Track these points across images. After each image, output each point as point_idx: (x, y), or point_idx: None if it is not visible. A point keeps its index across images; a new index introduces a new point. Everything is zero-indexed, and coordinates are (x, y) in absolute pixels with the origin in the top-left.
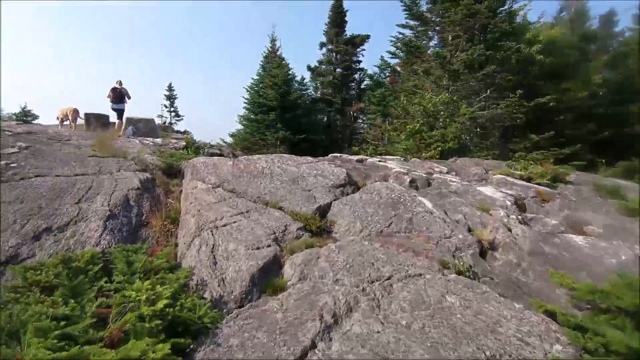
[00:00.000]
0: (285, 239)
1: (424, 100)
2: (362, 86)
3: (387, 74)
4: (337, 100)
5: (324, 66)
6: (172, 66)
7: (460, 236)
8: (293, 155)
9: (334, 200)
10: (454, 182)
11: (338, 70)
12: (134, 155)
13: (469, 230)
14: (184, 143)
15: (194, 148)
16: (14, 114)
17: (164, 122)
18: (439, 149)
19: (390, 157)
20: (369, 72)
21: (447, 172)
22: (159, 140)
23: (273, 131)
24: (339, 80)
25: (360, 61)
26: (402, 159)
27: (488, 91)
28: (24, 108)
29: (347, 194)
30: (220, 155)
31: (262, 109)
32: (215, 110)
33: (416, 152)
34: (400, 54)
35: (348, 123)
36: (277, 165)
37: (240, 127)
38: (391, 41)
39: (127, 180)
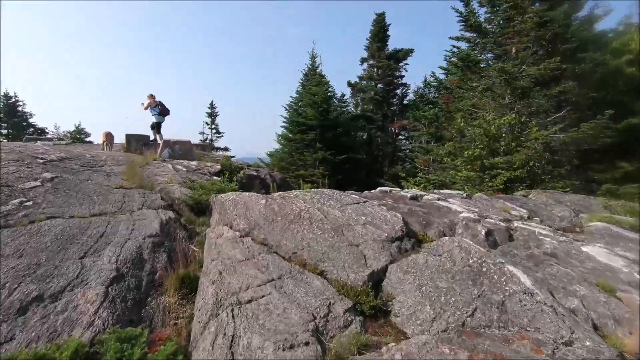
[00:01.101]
0: (328, 328)
1: (485, 122)
2: (405, 102)
3: (436, 91)
4: (378, 117)
5: (364, 82)
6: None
7: (588, 343)
8: (335, 191)
9: (391, 262)
10: (545, 236)
11: (379, 85)
12: (162, 186)
13: (595, 328)
14: (219, 166)
15: (229, 173)
16: (69, 132)
17: (205, 139)
18: (503, 178)
19: (450, 192)
20: (413, 87)
21: (528, 218)
22: (194, 163)
23: (312, 151)
24: (380, 96)
25: (403, 76)
26: (464, 195)
27: (564, 111)
28: (78, 126)
29: (406, 251)
30: (257, 177)
31: (301, 128)
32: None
33: (479, 184)
34: (455, 69)
35: (390, 140)
36: (317, 206)
37: (278, 146)
38: (445, 56)
39: (146, 223)
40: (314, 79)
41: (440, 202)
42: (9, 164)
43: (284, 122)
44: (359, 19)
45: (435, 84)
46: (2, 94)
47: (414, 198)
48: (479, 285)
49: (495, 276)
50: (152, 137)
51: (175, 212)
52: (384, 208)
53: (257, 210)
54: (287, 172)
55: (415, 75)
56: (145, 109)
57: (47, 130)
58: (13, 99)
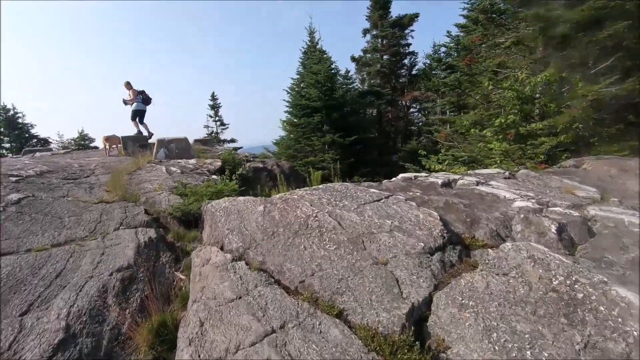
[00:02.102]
0: None
1: (517, 82)
2: (414, 71)
3: (455, 53)
4: (387, 91)
5: (369, 55)
6: (215, 72)
7: None
8: (349, 186)
9: (435, 288)
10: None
11: (385, 57)
12: (148, 196)
13: None
14: (220, 163)
15: (232, 168)
16: (73, 139)
17: (210, 133)
18: (547, 147)
19: (487, 171)
20: (422, 55)
21: (601, 199)
22: (192, 161)
23: (320, 135)
24: (387, 68)
25: (410, 44)
26: (505, 173)
27: (612, 58)
28: (82, 132)
29: (452, 265)
30: (263, 169)
31: (306, 112)
32: (263, 113)
33: (518, 158)
34: (474, 25)
35: (401, 114)
36: (327, 209)
37: (284, 133)
38: (462, 9)
39: (118, 251)
40: (314, 57)
41: (481, 188)
42: None
43: (287, 106)
44: None
45: (452, 44)
46: (1, 106)
47: (447, 184)
48: (579, 326)
49: (601, 307)
50: (136, 131)
51: (161, 227)
52: (413, 205)
53: (253, 220)
54: (295, 160)
55: (423, 42)
56: (130, 103)
57: (50, 140)
58: (12, 111)
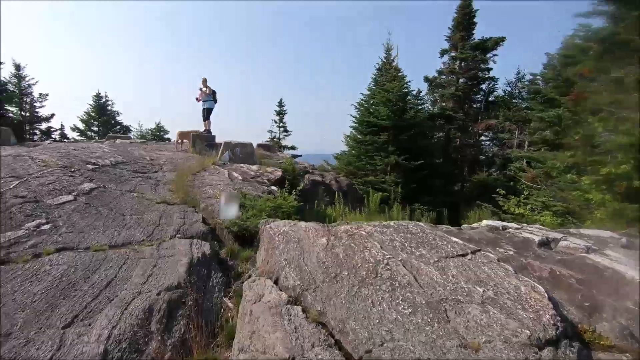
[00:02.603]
0: None
1: (636, 128)
2: (491, 98)
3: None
4: (460, 116)
5: (444, 76)
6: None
7: None
8: (425, 228)
9: None
10: None
11: (462, 80)
12: (208, 203)
13: None
14: (280, 172)
15: (291, 178)
16: (150, 130)
17: (273, 137)
18: None
19: (596, 233)
20: (502, 81)
21: None
22: (254, 167)
23: (384, 155)
24: (462, 92)
25: (491, 69)
26: (622, 240)
27: None
28: (158, 124)
29: None
30: (322, 182)
31: (372, 129)
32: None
33: (633, 220)
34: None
35: (470, 141)
36: (401, 257)
37: (346, 147)
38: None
39: (170, 265)
40: (388, 74)
41: (595, 258)
42: (53, 171)
43: (353, 121)
44: (435, 11)
45: (550, 75)
46: (95, 94)
47: (545, 244)
48: None
49: None
50: (205, 130)
51: (217, 239)
52: (510, 270)
53: (314, 255)
54: (354, 177)
55: (504, 68)
56: (203, 100)
57: (131, 128)
58: (103, 99)
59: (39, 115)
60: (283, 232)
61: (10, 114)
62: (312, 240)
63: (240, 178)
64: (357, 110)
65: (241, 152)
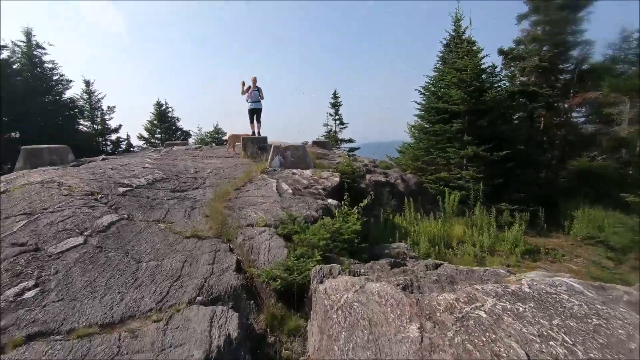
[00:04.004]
0: None
1: None
2: (585, 66)
3: None
4: (546, 91)
5: (523, 46)
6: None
7: None
8: (582, 290)
9: None
10: None
11: (545, 48)
12: (246, 236)
13: None
14: (337, 179)
15: (350, 181)
16: (208, 133)
17: (329, 131)
18: None
19: None
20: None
21: None
22: (308, 173)
23: (458, 146)
24: (547, 62)
25: (584, 30)
26: None
27: None
28: (216, 126)
29: None
30: (386, 183)
31: (442, 117)
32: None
33: None
34: None
35: (556, 120)
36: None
37: (410, 140)
38: None
39: None
40: (459, 50)
41: None
42: (74, 201)
43: (417, 109)
44: None
45: None
46: (155, 102)
47: None
48: None
49: None
50: (253, 132)
51: (253, 296)
52: None
53: (401, 354)
54: (424, 174)
55: (602, 27)
56: (246, 91)
57: (191, 133)
58: (164, 106)
59: (109, 127)
60: (345, 304)
61: (84, 128)
62: (393, 326)
63: (290, 191)
64: (422, 95)
65: (293, 156)
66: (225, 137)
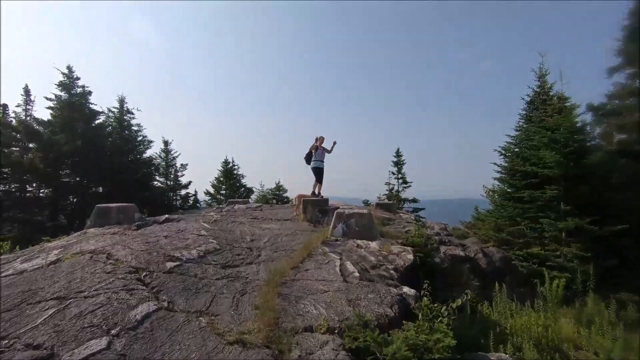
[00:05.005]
0: None
1: None
2: None
3: None
4: None
5: (617, 101)
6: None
7: None
8: None
9: None
10: None
11: None
12: (304, 346)
13: None
14: (411, 256)
15: (423, 255)
16: (270, 190)
17: (391, 189)
18: None
19: None
20: None
21: None
22: (373, 246)
23: (554, 217)
24: None
25: None
26: None
27: None
28: (278, 183)
29: None
30: (465, 258)
31: (530, 181)
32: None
33: None
34: None
35: None
36: None
37: (490, 204)
38: None
39: None
40: (548, 107)
41: None
42: (114, 281)
43: (498, 171)
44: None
45: None
46: (223, 160)
47: None
48: None
49: None
50: (313, 192)
51: None
52: None
53: None
54: (509, 247)
55: None
56: (318, 158)
57: (253, 190)
58: (230, 164)
59: (180, 183)
60: None
61: (158, 184)
62: None
63: (357, 273)
64: (502, 156)
65: (357, 224)
66: (286, 194)
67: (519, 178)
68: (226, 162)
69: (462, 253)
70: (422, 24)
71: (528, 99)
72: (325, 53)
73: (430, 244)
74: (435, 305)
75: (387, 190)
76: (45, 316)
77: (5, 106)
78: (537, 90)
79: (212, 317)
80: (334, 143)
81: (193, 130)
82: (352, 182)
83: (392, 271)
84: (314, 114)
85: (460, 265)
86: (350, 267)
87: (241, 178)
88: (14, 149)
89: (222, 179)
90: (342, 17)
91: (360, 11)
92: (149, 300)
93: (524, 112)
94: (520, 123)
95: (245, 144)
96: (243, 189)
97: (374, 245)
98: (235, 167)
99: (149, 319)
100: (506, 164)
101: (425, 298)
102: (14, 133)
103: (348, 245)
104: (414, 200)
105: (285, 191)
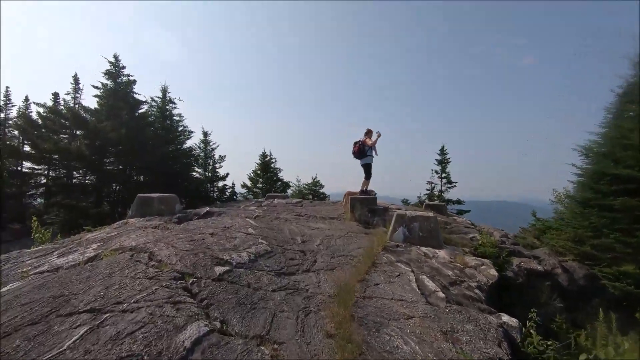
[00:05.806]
0: None
1: None
2: None
3: None
4: None
5: None
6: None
7: None
8: None
9: None
10: None
11: None
12: None
13: None
14: (495, 272)
15: (498, 267)
16: (307, 185)
17: (432, 189)
18: None
19: None
20: None
21: None
22: (443, 256)
23: None
24: None
25: None
26: None
27: None
28: (315, 178)
29: None
30: (543, 274)
31: (618, 188)
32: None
33: None
34: None
35: None
36: None
37: (563, 209)
38: None
39: None
40: (636, 99)
41: None
42: (158, 290)
43: (576, 174)
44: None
45: None
46: (261, 153)
47: None
48: None
49: None
50: (362, 189)
51: None
52: None
53: None
54: (595, 263)
55: None
56: (368, 154)
57: (290, 184)
58: (268, 157)
59: (218, 174)
60: None
61: (197, 175)
62: None
63: (441, 293)
64: (583, 156)
65: (421, 229)
66: (322, 190)
67: (605, 183)
68: (264, 155)
69: (538, 267)
70: (467, 21)
71: (618, 89)
72: (378, 51)
73: (502, 256)
74: (549, 342)
75: (427, 190)
76: (76, 337)
77: (56, 94)
78: (630, 80)
79: (276, 347)
80: (378, 135)
81: (231, 123)
82: (391, 182)
83: (476, 290)
84: (352, 111)
85: (538, 282)
86: (429, 283)
87: (278, 172)
88: (63, 136)
89: (259, 172)
90: (385, 14)
91: (403, 6)
92: (198, 319)
93: (610, 108)
94: (607, 117)
95: (283, 138)
96: (280, 182)
97: (442, 254)
98: (273, 160)
99: (200, 346)
100: (589, 166)
101: (532, 331)
102: (63, 120)
103: (414, 254)
104: (458, 202)
105: (322, 187)
